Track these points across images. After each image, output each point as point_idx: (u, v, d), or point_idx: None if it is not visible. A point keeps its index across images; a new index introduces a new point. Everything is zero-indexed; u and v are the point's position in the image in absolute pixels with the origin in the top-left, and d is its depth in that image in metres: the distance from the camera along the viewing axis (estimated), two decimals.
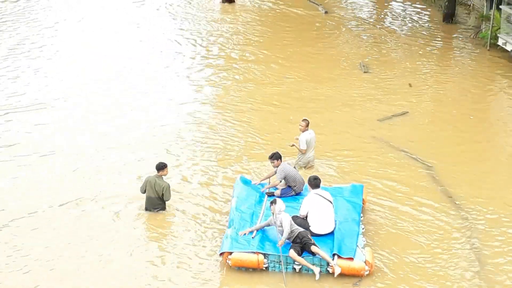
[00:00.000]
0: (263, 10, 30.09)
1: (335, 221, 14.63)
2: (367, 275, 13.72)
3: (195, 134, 19.61)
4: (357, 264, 13.73)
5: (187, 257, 14.34)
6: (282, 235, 13.87)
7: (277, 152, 16.27)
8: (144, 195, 15.83)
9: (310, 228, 14.40)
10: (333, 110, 21.16)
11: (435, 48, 26.61)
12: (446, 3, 28.96)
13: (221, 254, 14.02)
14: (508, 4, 25.55)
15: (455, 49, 26.92)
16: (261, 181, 16.46)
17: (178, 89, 22.71)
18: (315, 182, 14.76)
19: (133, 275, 13.83)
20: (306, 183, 15.25)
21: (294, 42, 26.59)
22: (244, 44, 26.59)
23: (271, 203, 14.17)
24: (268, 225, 14.40)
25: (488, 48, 26.04)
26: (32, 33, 27.31)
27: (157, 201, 15.74)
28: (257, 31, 27.85)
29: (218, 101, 21.86)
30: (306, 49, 25.96)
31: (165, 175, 15.86)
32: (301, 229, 14.05)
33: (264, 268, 13.87)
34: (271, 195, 15.86)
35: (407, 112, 21.13)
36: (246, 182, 16.29)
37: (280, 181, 15.99)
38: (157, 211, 15.78)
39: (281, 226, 13.92)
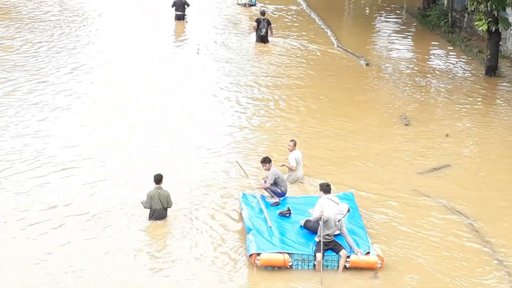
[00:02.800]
0: (299, 56, 30.25)
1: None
2: (379, 267, 15.42)
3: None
4: (371, 258, 15.55)
5: (218, 261, 15.68)
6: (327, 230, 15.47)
7: (268, 157, 18.08)
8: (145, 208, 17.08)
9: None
10: (373, 161, 20.99)
11: (477, 101, 26.40)
12: (489, 56, 28.80)
13: (250, 255, 15.47)
14: None
15: (498, 102, 26.70)
16: (260, 188, 17.91)
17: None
18: (327, 188, 16.29)
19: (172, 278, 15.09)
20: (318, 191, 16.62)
21: (333, 93, 26.55)
22: (279, 87, 26.80)
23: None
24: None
25: None
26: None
27: (162, 211, 16.96)
28: (292, 77, 27.94)
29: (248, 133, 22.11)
30: (346, 100, 25.90)
31: (162, 184, 17.09)
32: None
33: (288, 267, 15.40)
34: (275, 205, 17.39)
35: (449, 165, 20.89)
36: (249, 197, 17.72)
37: (270, 184, 17.58)
38: (161, 219, 16.95)
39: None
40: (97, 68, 28.32)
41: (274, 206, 17.39)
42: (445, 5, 36.60)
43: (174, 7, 34.58)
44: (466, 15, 34.53)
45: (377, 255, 15.55)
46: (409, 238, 16.99)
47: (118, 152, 20.85)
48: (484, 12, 27.55)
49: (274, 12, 37.06)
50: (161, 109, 24.43)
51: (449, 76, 29.08)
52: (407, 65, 30.47)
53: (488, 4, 27.11)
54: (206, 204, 17.91)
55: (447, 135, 23.00)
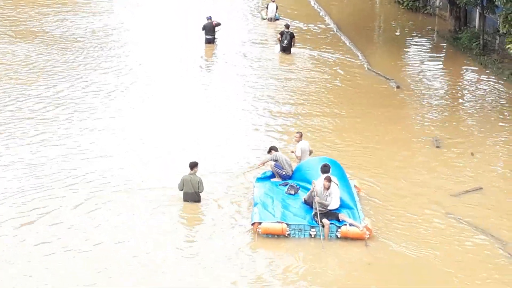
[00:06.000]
0: (329, 77, 30.38)
1: (340, 199, 18.21)
2: (368, 237, 17.43)
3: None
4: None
5: (227, 229, 18.07)
6: (322, 203, 17.87)
7: (272, 146, 20.64)
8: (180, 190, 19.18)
9: None
10: (404, 184, 20.92)
11: (510, 123, 26.14)
12: None
13: (252, 224, 17.75)
14: None
15: None
16: (259, 166, 20.83)
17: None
18: (325, 169, 18.47)
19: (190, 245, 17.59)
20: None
21: (363, 114, 26.50)
22: (305, 105, 27.19)
23: (328, 180, 17.94)
24: (310, 197, 18.22)
25: None
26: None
27: (194, 195, 18.98)
28: (320, 97, 28.20)
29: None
30: (376, 122, 25.82)
31: (196, 171, 19.05)
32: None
33: (286, 235, 17.54)
34: (283, 185, 19.54)
35: (481, 188, 20.72)
36: (262, 179, 20.11)
37: (272, 161, 20.06)
38: (194, 202, 18.99)
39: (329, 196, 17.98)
40: (127, 87, 28.71)
41: (283, 186, 19.54)
42: (476, 27, 36.46)
43: (204, 31, 34.79)
44: (497, 37, 34.31)
45: (365, 227, 17.45)
46: (438, 257, 17.07)
47: (157, 153, 22.62)
48: None
49: (305, 32, 37.23)
50: (194, 118, 25.72)
51: (481, 99, 28.90)
52: (438, 87, 30.36)
53: None
54: (229, 190, 20.04)
55: (472, 154, 23.00)
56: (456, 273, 16.50)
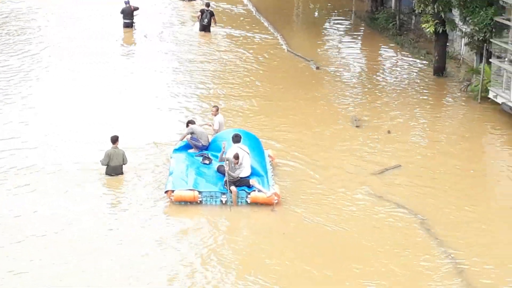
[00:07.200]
0: (248, 59, 30.42)
1: (252, 167, 19.02)
2: (276, 203, 18.21)
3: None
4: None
5: (142, 198, 18.61)
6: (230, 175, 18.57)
7: (189, 120, 21.30)
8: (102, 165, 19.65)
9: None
10: (324, 164, 21.08)
11: (426, 101, 26.70)
12: (436, 57, 29.16)
13: (166, 192, 18.46)
14: (498, 57, 25.80)
15: (446, 102, 27.05)
16: (180, 140, 20.98)
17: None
18: (236, 139, 19.19)
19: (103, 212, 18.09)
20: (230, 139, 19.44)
21: (282, 96, 26.58)
22: (226, 87, 27.22)
23: (236, 157, 18.64)
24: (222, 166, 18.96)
25: (479, 101, 26.14)
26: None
27: (119, 168, 19.57)
28: (241, 80, 28.19)
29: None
30: (296, 103, 25.97)
31: (118, 145, 19.62)
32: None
33: (198, 202, 18.28)
34: (200, 156, 20.20)
35: (400, 165, 21.09)
36: (179, 149, 20.67)
37: (189, 134, 20.49)
38: (118, 175, 19.56)
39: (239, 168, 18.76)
40: (42, 71, 28.36)
41: (199, 156, 20.21)
42: (392, 8, 37.02)
43: (122, 15, 34.42)
44: (413, 17, 34.94)
45: (274, 193, 18.23)
46: (355, 232, 17.32)
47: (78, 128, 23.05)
48: (431, 14, 27.91)
49: (224, 14, 37.16)
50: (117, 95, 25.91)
51: (398, 78, 29.39)
52: (356, 68, 30.70)
53: (435, 6, 27.48)
54: (149, 162, 20.56)
55: (389, 132, 23.39)
56: (372, 247, 16.74)
